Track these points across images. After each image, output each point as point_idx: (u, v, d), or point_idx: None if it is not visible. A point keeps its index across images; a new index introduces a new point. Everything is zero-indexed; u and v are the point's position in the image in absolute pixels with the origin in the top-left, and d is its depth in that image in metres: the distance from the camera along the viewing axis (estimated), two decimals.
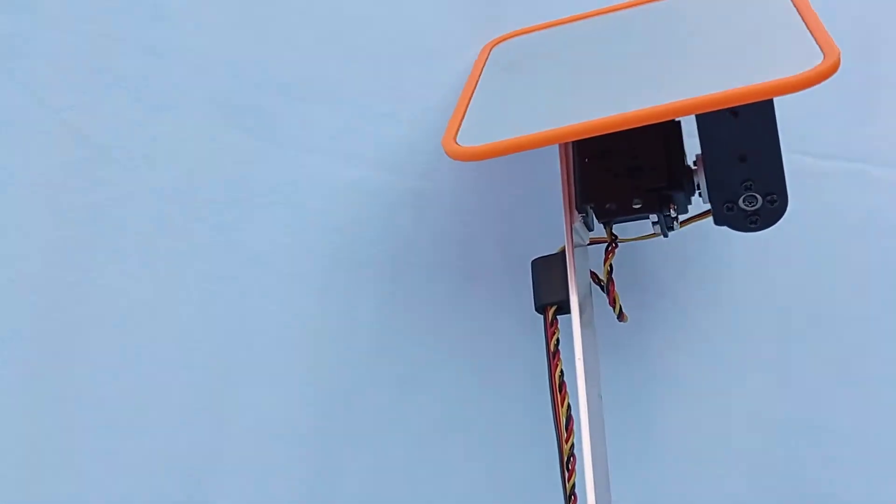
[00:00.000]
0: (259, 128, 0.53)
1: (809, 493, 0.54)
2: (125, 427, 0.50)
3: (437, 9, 0.56)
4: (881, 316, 0.55)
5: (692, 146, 0.45)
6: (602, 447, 0.44)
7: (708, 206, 0.45)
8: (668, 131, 0.46)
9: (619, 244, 0.47)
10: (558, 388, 0.43)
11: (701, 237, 0.50)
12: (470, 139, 0.43)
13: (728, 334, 0.55)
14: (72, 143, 0.50)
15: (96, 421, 0.50)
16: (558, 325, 0.45)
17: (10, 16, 0.50)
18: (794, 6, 0.43)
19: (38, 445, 0.49)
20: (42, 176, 0.50)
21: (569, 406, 0.43)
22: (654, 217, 0.46)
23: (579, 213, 0.47)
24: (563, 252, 0.46)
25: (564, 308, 0.45)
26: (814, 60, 0.37)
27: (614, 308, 0.47)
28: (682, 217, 0.47)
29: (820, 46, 0.38)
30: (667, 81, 0.42)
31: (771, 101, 0.42)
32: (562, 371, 0.43)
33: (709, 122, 0.43)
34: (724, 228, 0.46)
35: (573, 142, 0.48)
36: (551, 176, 0.54)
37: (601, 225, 0.47)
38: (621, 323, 0.47)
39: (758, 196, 0.43)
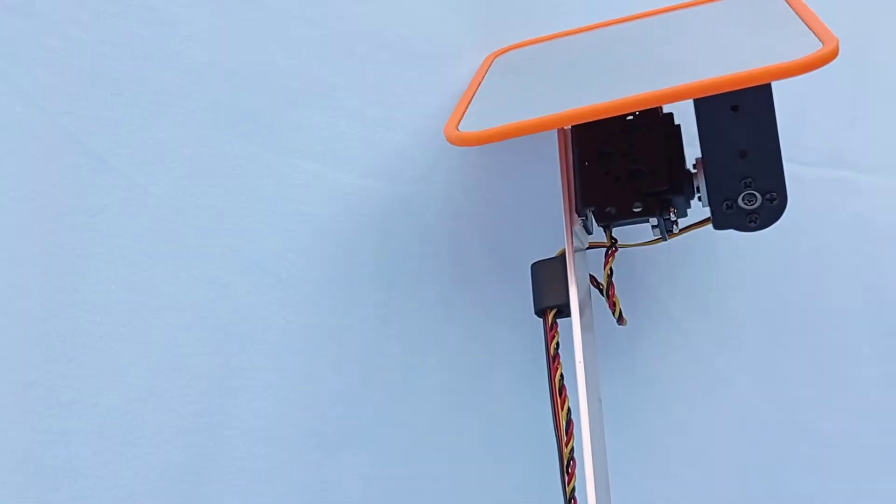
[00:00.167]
0: (254, 134, 0.53)
1: (795, 494, 0.55)
2: (121, 433, 0.50)
3: (431, 16, 0.57)
4: (866, 320, 0.56)
5: (691, 154, 0.46)
6: (602, 450, 0.44)
7: (707, 215, 0.46)
8: (668, 135, 0.46)
9: (618, 248, 0.47)
10: (558, 391, 0.44)
11: (689, 244, 0.51)
12: (470, 128, 0.44)
13: (715, 339, 0.56)
14: (69, 149, 0.50)
15: (92, 427, 0.49)
16: (558, 329, 0.45)
17: (8, 21, 0.49)
18: (792, 8, 0.44)
19: (34, 452, 0.49)
20: (39, 181, 0.50)
21: (569, 409, 0.43)
22: (653, 220, 0.46)
23: (579, 216, 0.47)
24: (562, 255, 0.46)
25: (564, 311, 0.45)
26: (813, 48, 0.37)
27: (614, 311, 0.47)
28: (682, 223, 0.47)
29: (819, 37, 0.39)
30: (665, 72, 0.42)
31: (770, 97, 0.42)
32: (562, 374, 0.44)
33: (709, 117, 0.43)
34: (714, 234, 0.47)
35: (574, 145, 0.48)
36: (544, 182, 0.55)
37: (600, 229, 0.47)
38: (620, 326, 0.47)
39: (757, 194, 0.43)
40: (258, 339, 0.52)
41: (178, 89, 0.52)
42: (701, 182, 0.45)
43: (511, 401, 0.54)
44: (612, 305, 0.47)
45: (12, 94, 0.49)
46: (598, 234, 0.48)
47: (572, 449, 0.43)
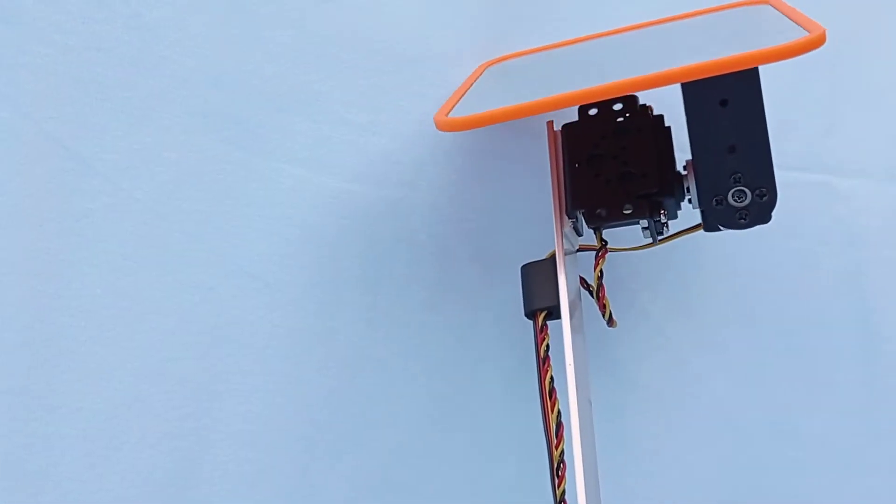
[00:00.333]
0: (240, 139, 0.54)
1: (775, 494, 0.55)
2: (106, 438, 0.50)
3: (417, 22, 0.57)
4: (846, 323, 0.57)
5: (682, 157, 0.46)
6: (592, 453, 0.44)
7: (698, 221, 0.46)
8: (658, 137, 0.46)
9: (609, 251, 0.47)
10: (548, 393, 0.44)
11: (671, 247, 0.51)
12: (458, 115, 0.44)
13: (696, 342, 0.56)
14: (54, 154, 0.50)
15: (77, 431, 0.50)
16: (548, 331, 0.45)
17: None
18: (781, 12, 0.44)
19: (18, 456, 0.49)
20: (24, 186, 0.50)
21: (559, 412, 0.43)
22: (644, 222, 0.46)
23: (569, 218, 0.47)
24: (552, 257, 0.46)
25: (554, 313, 0.45)
26: (799, 36, 0.37)
27: (604, 313, 0.47)
28: (673, 228, 0.47)
29: (805, 28, 0.39)
30: (653, 63, 0.42)
31: (759, 90, 0.42)
32: (552, 377, 0.44)
33: (698, 112, 0.43)
34: (696, 238, 0.47)
35: (564, 148, 0.48)
36: (530, 187, 0.56)
37: (590, 231, 0.47)
38: (611, 328, 0.47)
39: (747, 190, 0.43)
40: (244, 343, 0.52)
41: (164, 95, 0.53)
42: (691, 183, 0.45)
43: (498, 404, 0.55)
44: (602, 307, 0.47)
45: None
46: (588, 237, 0.48)
47: (562, 451, 0.43)
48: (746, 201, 0.43)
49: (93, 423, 0.50)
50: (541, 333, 0.45)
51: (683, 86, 0.44)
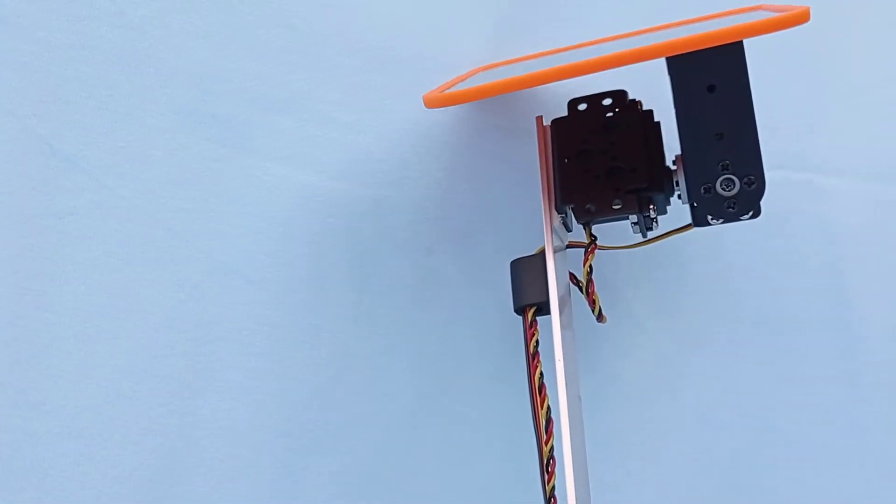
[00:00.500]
0: (224, 137, 0.54)
1: (754, 491, 0.55)
2: (90, 434, 0.50)
3: (402, 20, 0.57)
4: (826, 320, 0.57)
5: (671, 154, 0.46)
6: (582, 449, 0.44)
7: (688, 221, 0.46)
8: (647, 132, 0.47)
9: (598, 246, 0.47)
10: (538, 389, 0.44)
11: (654, 245, 0.51)
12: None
13: (677, 339, 0.57)
14: (38, 152, 0.50)
15: (60, 428, 0.50)
16: (538, 327, 0.45)
17: None
18: (773, 11, 0.44)
19: (2, 453, 0.49)
20: (7, 184, 0.50)
21: (548, 408, 0.43)
22: (633, 218, 0.46)
23: (559, 213, 0.47)
24: (542, 253, 0.46)
25: (543, 309, 0.45)
26: (784, 13, 0.37)
27: (593, 309, 0.47)
28: (664, 228, 0.47)
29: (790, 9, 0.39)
30: (640, 43, 0.42)
31: (746, 75, 0.42)
32: (541, 373, 0.44)
33: (685, 98, 0.43)
34: (679, 236, 0.48)
35: (553, 143, 0.48)
36: (514, 187, 0.56)
37: (580, 227, 0.47)
38: (600, 324, 0.48)
39: (735, 179, 0.43)
40: (228, 340, 0.53)
41: (148, 93, 0.53)
42: (680, 177, 0.45)
43: (482, 401, 0.55)
44: (592, 303, 0.47)
45: None
46: (578, 233, 0.48)
47: (552, 447, 0.43)
48: (735, 190, 0.43)
49: (77, 420, 0.50)
50: (530, 329, 0.45)
51: (671, 71, 0.44)
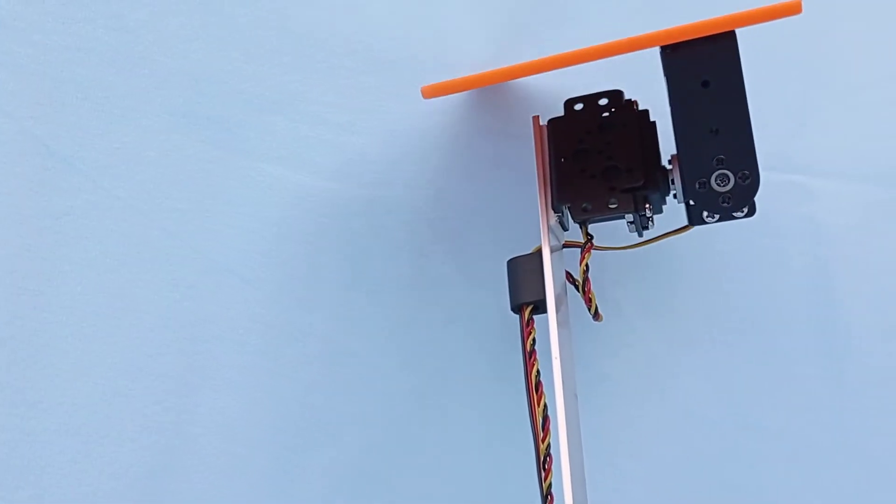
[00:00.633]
0: (219, 138, 0.54)
1: (740, 487, 0.56)
2: (87, 432, 0.51)
3: (395, 22, 0.57)
4: (812, 319, 0.58)
5: (666, 153, 0.47)
6: (578, 446, 0.44)
7: (684, 223, 0.46)
8: (643, 132, 0.47)
9: (594, 245, 0.47)
10: (535, 387, 0.44)
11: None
12: None
13: (666, 338, 0.57)
14: (35, 153, 0.51)
15: (57, 426, 0.50)
16: (534, 325, 0.45)
17: None
18: None
19: (1, 451, 0.49)
20: (5, 185, 0.50)
21: (545, 406, 0.43)
22: (629, 217, 0.47)
23: (555, 212, 0.48)
24: (539, 252, 0.46)
25: (540, 307, 0.46)
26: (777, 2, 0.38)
27: (590, 307, 0.47)
28: (660, 230, 0.48)
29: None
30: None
31: (740, 71, 0.43)
32: (538, 370, 0.44)
33: (680, 94, 0.44)
34: (669, 237, 0.48)
35: (550, 142, 0.49)
36: (505, 188, 0.57)
37: (576, 226, 0.48)
38: (596, 322, 0.48)
39: (730, 174, 0.43)
40: (223, 338, 0.53)
41: (144, 94, 0.53)
42: (676, 175, 0.45)
43: (477, 399, 0.55)
44: (588, 301, 0.47)
45: None
46: (574, 232, 0.48)
47: (549, 445, 0.43)
48: (730, 185, 0.43)
49: (74, 418, 0.51)
50: (527, 327, 0.45)
51: (665, 67, 0.44)
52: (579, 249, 0.47)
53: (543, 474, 0.43)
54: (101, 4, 0.53)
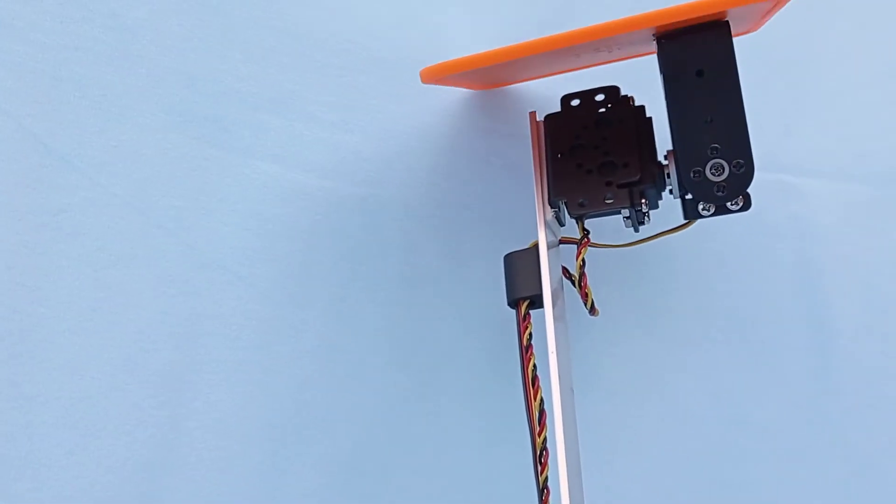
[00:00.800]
0: (215, 137, 0.55)
1: (729, 483, 0.56)
2: (84, 426, 0.51)
3: (389, 21, 0.58)
4: (799, 316, 0.58)
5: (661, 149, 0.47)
6: (574, 440, 0.45)
7: (680, 223, 0.47)
8: (639, 127, 0.47)
9: (590, 240, 0.48)
10: (531, 382, 0.44)
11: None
12: None
13: (653, 336, 0.57)
14: (33, 150, 0.52)
15: (55, 419, 0.51)
16: (531, 320, 0.46)
17: None
18: None
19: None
20: (2, 182, 0.51)
21: (541, 400, 0.44)
22: (625, 212, 0.47)
23: (552, 207, 0.48)
24: (535, 247, 0.47)
25: (537, 302, 0.46)
26: None
27: (586, 302, 0.47)
28: (657, 229, 0.48)
29: None
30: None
31: (733, 60, 0.43)
32: (535, 365, 0.44)
33: (675, 83, 0.44)
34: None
35: (546, 137, 0.49)
36: (497, 185, 0.57)
37: (573, 222, 0.48)
38: (592, 317, 0.48)
39: (724, 163, 0.44)
40: (217, 334, 0.54)
41: (140, 93, 0.54)
42: (672, 169, 0.45)
43: (468, 394, 0.56)
44: (585, 296, 0.47)
45: None
46: (570, 228, 0.49)
47: (545, 439, 0.43)
48: (724, 174, 0.43)
49: (71, 412, 0.51)
50: (524, 322, 0.45)
51: (660, 56, 0.45)
52: (576, 245, 0.48)
53: (540, 468, 0.43)
54: (99, 3, 0.54)
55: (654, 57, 0.46)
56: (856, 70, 0.63)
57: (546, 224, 0.47)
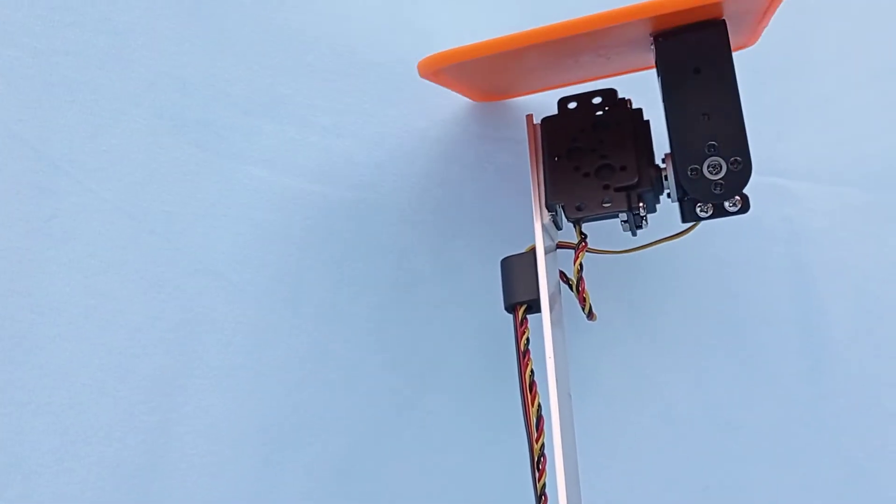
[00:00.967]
0: (205, 141, 0.55)
1: (719, 484, 0.56)
2: (75, 432, 0.51)
3: (381, 25, 0.58)
4: (792, 320, 0.58)
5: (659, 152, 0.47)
6: (572, 446, 0.45)
7: (679, 230, 0.47)
8: (637, 130, 0.47)
9: (587, 247, 0.47)
10: (528, 387, 0.44)
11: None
12: None
13: (644, 338, 0.57)
14: (23, 156, 0.52)
15: (46, 426, 0.51)
16: (528, 324, 0.45)
17: None
18: None
19: None
20: None
21: (539, 405, 0.43)
22: (623, 216, 0.47)
23: (549, 211, 0.48)
24: (532, 251, 0.46)
25: (534, 307, 0.46)
26: None
27: (584, 307, 0.47)
28: (655, 236, 0.48)
29: None
30: None
31: (730, 58, 0.44)
32: (532, 370, 0.44)
33: (673, 80, 0.44)
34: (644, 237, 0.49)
35: (543, 141, 0.49)
36: (488, 191, 0.57)
37: (570, 225, 0.48)
38: (590, 322, 0.48)
39: (722, 161, 0.43)
40: (208, 339, 0.54)
41: (131, 97, 0.54)
42: (669, 173, 0.45)
43: (459, 398, 0.55)
44: (582, 301, 0.47)
45: None
46: (568, 232, 0.49)
47: (543, 444, 0.43)
48: (722, 172, 0.43)
49: (62, 418, 0.51)
50: (521, 327, 0.45)
51: (658, 55, 0.45)
52: (573, 250, 0.47)
53: (537, 474, 0.43)
54: (90, 8, 0.54)
55: (651, 57, 0.46)
56: (848, 74, 0.63)
57: (543, 228, 0.47)
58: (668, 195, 0.47)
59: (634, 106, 0.49)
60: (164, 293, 0.53)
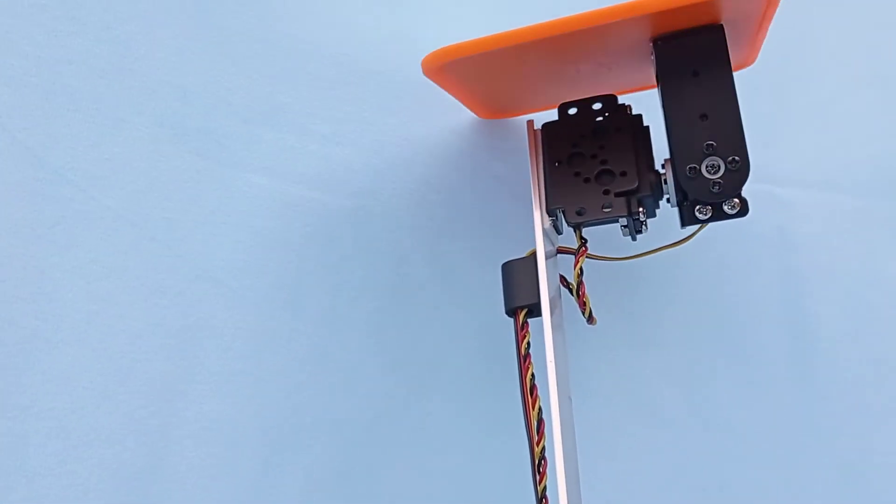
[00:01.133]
0: (206, 149, 0.55)
1: (710, 487, 0.57)
2: (77, 435, 0.51)
3: (380, 34, 0.59)
4: (782, 326, 0.59)
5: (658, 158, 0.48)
6: (573, 449, 0.45)
7: (679, 237, 0.48)
8: (637, 136, 0.48)
9: (588, 253, 0.48)
10: (529, 390, 0.44)
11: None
12: None
13: (635, 343, 0.58)
14: (27, 164, 0.52)
15: (48, 429, 0.51)
16: (529, 328, 0.46)
17: None
18: None
19: None
20: None
21: (540, 409, 0.44)
22: (623, 221, 0.47)
23: (549, 216, 0.48)
24: (533, 255, 0.47)
25: (534, 311, 0.46)
26: None
27: (584, 311, 0.48)
28: (656, 244, 0.49)
29: None
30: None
31: (728, 62, 0.44)
32: (533, 374, 0.44)
33: (671, 83, 0.45)
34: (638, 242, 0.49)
35: (543, 146, 0.50)
36: (486, 197, 0.58)
37: (570, 230, 0.49)
38: (591, 326, 0.49)
39: (720, 161, 0.44)
40: (208, 344, 0.54)
41: (133, 106, 0.54)
42: (669, 177, 0.46)
43: (457, 402, 0.56)
44: (583, 305, 0.47)
45: None
46: (568, 236, 0.49)
47: (543, 448, 0.43)
48: (720, 172, 0.44)
49: (64, 422, 0.51)
50: (521, 331, 0.45)
51: (657, 58, 0.46)
52: (573, 255, 0.48)
53: (538, 477, 0.43)
54: (92, 17, 0.54)
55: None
56: (839, 81, 0.64)
57: (544, 232, 0.48)
58: (668, 200, 0.47)
59: (634, 112, 0.50)
60: (164, 299, 0.54)
